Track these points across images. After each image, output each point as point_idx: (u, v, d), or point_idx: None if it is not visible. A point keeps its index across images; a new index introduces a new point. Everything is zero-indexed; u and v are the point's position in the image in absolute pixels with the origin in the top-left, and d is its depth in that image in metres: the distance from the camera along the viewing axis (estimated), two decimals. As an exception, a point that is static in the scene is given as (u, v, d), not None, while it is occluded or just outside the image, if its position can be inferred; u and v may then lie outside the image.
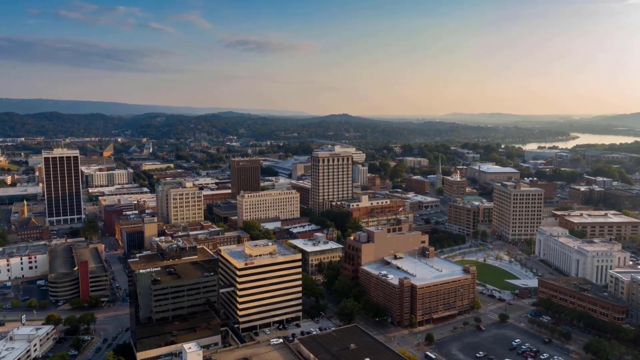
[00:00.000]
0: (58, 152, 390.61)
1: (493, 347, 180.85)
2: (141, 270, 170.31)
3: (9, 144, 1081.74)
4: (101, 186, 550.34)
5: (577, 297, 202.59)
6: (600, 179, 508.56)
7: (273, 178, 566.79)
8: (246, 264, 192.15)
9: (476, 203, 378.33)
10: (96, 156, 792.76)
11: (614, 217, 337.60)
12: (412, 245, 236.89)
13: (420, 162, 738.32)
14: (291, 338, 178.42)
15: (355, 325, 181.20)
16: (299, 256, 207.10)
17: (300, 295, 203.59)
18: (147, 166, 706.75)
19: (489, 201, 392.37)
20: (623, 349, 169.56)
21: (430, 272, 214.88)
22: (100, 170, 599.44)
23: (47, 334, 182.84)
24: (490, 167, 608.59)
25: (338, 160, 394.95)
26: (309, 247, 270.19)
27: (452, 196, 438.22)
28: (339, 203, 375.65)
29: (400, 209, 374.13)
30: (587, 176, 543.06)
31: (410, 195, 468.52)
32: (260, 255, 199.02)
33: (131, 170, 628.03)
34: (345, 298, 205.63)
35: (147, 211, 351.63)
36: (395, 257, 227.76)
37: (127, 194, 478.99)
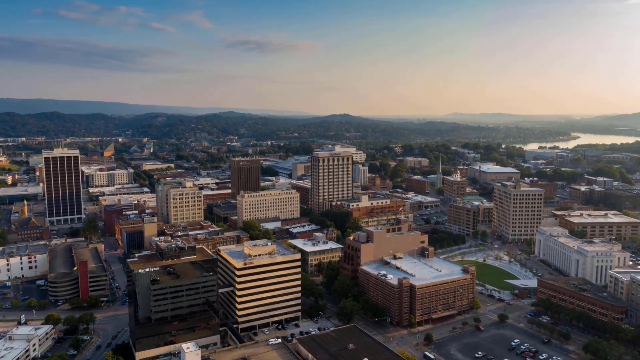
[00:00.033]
0: (58, 152, 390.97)
1: (492, 347, 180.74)
2: (140, 270, 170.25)
3: (10, 144, 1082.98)
4: (102, 186, 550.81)
5: (576, 297, 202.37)
6: (600, 179, 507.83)
7: (273, 178, 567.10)
8: (245, 264, 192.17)
9: (476, 203, 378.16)
10: (97, 156, 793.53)
11: (614, 217, 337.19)
12: (412, 245, 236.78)
13: (420, 162, 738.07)
14: (290, 338, 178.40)
15: (354, 325, 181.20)
16: (298, 256, 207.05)
17: (299, 295, 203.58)
18: (148, 166, 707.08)
19: (489, 201, 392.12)
20: (622, 349, 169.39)
21: (429, 272, 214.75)
22: (100, 170, 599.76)
23: (46, 333, 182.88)
24: (490, 167, 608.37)
25: (338, 160, 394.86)
26: (308, 247, 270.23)
27: (452, 196, 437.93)
28: (338, 203, 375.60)
29: (400, 209, 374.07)
30: (587, 176, 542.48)
31: (411, 195, 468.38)
32: (259, 255, 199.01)
33: (132, 170, 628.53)
34: (344, 298, 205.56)
35: (147, 211, 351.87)
36: (395, 257, 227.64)
37: (128, 194, 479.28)
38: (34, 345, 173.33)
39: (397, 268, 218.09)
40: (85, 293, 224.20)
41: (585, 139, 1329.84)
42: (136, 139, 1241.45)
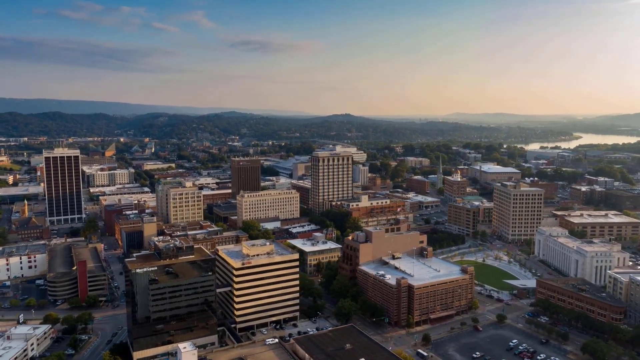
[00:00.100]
0: (59, 151, 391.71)
1: (490, 347, 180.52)
2: (138, 270, 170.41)
3: (12, 143, 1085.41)
4: (102, 186, 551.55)
5: (575, 297, 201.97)
6: (601, 179, 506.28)
7: (274, 178, 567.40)
8: (243, 264, 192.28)
9: (476, 203, 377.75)
10: (98, 156, 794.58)
11: (614, 218, 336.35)
12: (411, 245, 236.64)
13: (421, 162, 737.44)
14: (288, 338, 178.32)
15: (352, 325, 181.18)
16: (296, 256, 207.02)
17: (297, 295, 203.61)
18: (149, 166, 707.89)
19: (490, 201, 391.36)
20: (620, 349, 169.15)
21: (428, 272, 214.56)
22: (101, 170, 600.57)
23: (45, 333, 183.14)
24: (491, 167, 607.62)
25: (338, 160, 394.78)
26: (307, 247, 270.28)
27: (452, 196, 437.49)
28: (338, 203, 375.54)
29: (399, 209, 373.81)
30: (588, 176, 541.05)
31: (411, 195, 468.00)
32: (257, 255, 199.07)
33: (133, 170, 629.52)
34: (342, 298, 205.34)
35: (147, 211, 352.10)
36: (393, 257, 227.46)
37: (128, 193, 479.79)
38: (32, 344, 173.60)
39: (396, 268, 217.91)
40: (84, 293, 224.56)
41: (587, 139, 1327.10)
42: (138, 139, 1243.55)
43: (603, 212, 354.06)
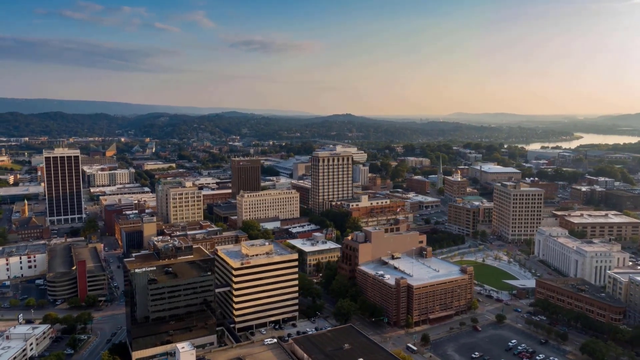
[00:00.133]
0: (59, 151, 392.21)
1: (489, 347, 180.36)
2: (137, 270, 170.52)
3: (13, 143, 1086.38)
4: (103, 186, 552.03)
5: (574, 297, 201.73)
6: (602, 179, 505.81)
7: (274, 178, 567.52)
8: (242, 264, 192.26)
9: (476, 203, 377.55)
10: (99, 156, 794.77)
11: (614, 218, 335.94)
12: (410, 245, 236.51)
13: (422, 162, 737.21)
14: (287, 338, 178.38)
15: (350, 325, 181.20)
16: (295, 256, 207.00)
17: (296, 295, 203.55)
18: (149, 166, 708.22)
19: (490, 201, 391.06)
20: (620, 350, 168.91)
21: (427, 272, 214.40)
22: (102, 169, 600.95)
23: (44, 333, 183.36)
24: (491, 167, 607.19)
25: (338, 160, 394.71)
26: (307, 247, 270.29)
27: (452, 196, 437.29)
28: (338, 203, 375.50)
29: (399, 209, 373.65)
30: (589, 176, 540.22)
31: (411, 195, 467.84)
32: (256, 255, 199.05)
33: (133, 170, 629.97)
34: (342, 298, 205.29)
35: (146, 211, 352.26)
36: (393, 257, 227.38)
37: (128, 193, 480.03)
38: (31, 344, 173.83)
39: (395, 268, 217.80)
40: (84, 292, 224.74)
41: (588, 139, 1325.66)
42: (138, 139, 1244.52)
43: (603, 212, 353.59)
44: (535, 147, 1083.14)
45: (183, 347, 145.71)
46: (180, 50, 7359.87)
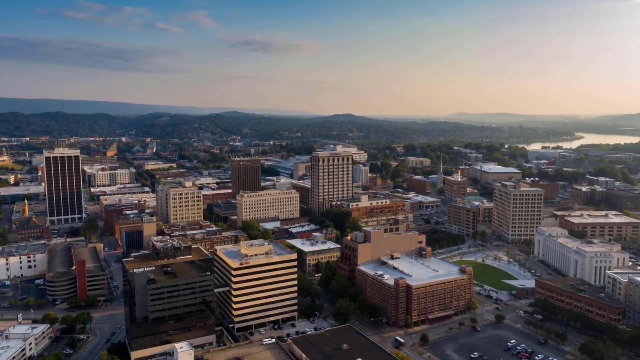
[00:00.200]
0: (59, 151, 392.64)
1: (488, 347, 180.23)
2: (136, 270, 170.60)
3: (14, 143, 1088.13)
4: (103, 186, 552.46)
5: (573, 297, 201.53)
6: (602, 179, 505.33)
7: (274, 178, 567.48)
8: (241, 264, 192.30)
9: (476, 203, 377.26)
10: (99, 156, 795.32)
11: (614, 218, 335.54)
12: (409, 245, 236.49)
13: (422, 162, 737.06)
14: (285, 338, 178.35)
15: (349, 325, 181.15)
16: (294, 256, 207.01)
17: (295, 295, 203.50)
18: (150, 166, 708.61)
19: (490, 201, 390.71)
20: (619, 350, 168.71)
21: (426, 272, 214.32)
22: (102, 169, 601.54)
23: (43, 332, 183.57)
24: (492, 167, 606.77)
25: (338, 160, 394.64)
26: (307, 247, 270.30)
27: (452, 196, 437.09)
28: (338, 203, 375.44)
29: (399, 209, 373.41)
30: (589, 176, 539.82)
31: (411, 195, 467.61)
32: (255, 255, 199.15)
33: (134, 170, 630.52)
34: (341, 298, 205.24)
35: (146, 211, 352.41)
36: (392, 257, 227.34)
37: (129, 193, 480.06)
38: (30, 344, 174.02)
39: (394, 268, 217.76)
40: (83, 292, 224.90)
41: (589, 139, 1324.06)
42: (139, 139, 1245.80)
43: (603, 212, 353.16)
44: (536, 147, 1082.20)
45: (181, 347, 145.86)
46: (182, 50, 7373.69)
